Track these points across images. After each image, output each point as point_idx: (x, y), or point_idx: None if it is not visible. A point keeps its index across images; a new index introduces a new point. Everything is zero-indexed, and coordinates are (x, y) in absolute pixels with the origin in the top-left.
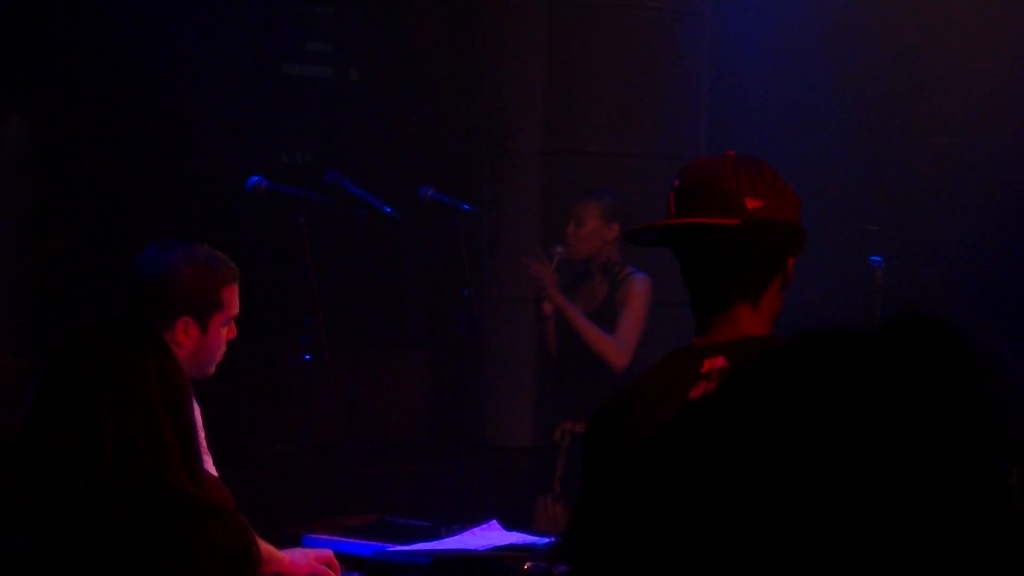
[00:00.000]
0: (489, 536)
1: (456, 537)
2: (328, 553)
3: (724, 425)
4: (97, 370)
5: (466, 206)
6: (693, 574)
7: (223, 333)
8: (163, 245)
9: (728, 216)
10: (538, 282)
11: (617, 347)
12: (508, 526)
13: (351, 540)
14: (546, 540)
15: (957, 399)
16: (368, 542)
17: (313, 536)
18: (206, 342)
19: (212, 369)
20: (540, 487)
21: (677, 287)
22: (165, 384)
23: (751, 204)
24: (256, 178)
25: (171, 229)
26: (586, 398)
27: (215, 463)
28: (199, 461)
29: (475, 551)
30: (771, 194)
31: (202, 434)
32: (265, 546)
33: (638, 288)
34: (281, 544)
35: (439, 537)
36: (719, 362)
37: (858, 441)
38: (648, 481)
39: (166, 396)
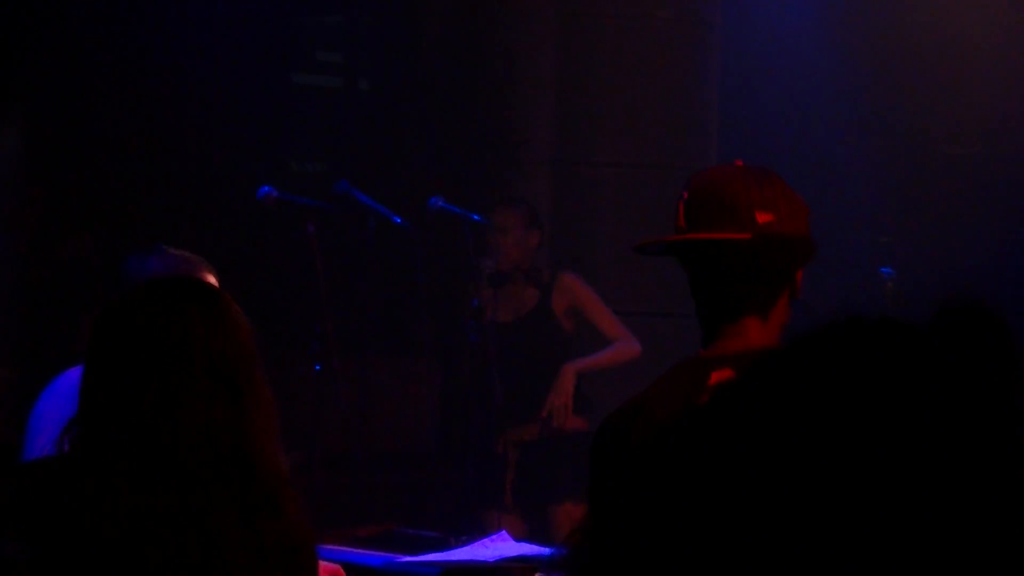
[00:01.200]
0: (499, 547)
1: (466, 548)
2: (337, 568)
3: (748, 421)
4: (194, 335)
5: (476, 216)
6: None
7: None
8: (138, 252)
9: (738, 230)
10: (567, 410)
11: (627, 346)
12: (521, 536)
13: (360, 551)
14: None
15: (1011, 393)
16: (377, 553)
17: (322, 546)
18: None
19: None
20: (487, 501)
21: (661, 297)
22: (253, 342)
23: (762, 218)
24: (266, 188)
25: (181, 238)
26: (524, 401)
27: None
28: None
29: (485, 562)
30: (781, 206)
31: None
32: None
33: (579, 285)
34: None
35: (449, 548)
36: (727, 374)
37: (912, 432)
38: (656, 485)
39: (254, 351)
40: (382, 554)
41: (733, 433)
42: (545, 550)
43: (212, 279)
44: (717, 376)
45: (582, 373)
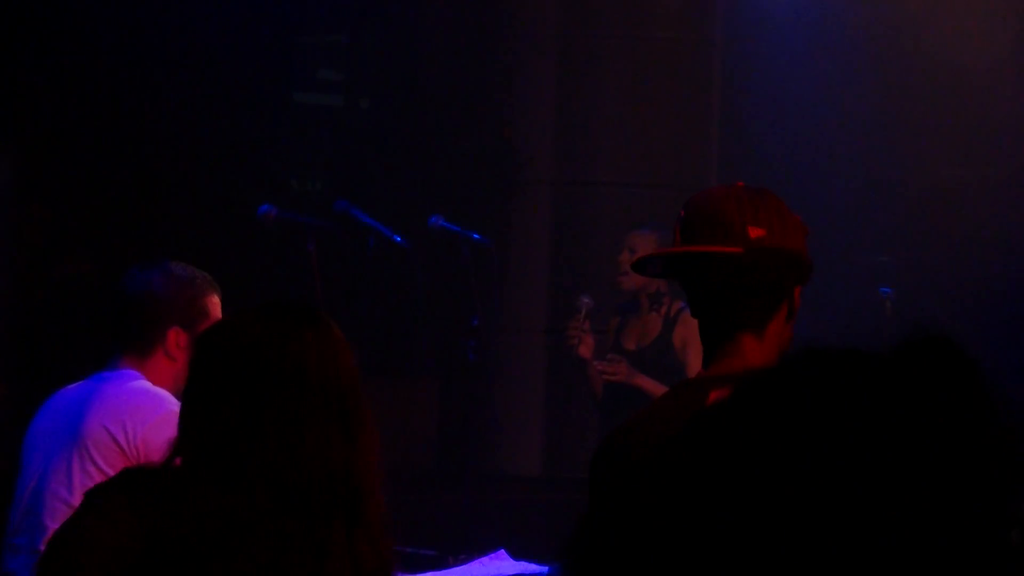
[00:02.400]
0: (497, 566)
1: (464, 567)
2: None
3: (724, 444)
4: (312, 364)
5: (476, 235)
6: None
7: None
8: (142, 265)
9: (730, 245)
10: (615, 375)
11: None
12: (516, 556)
13: None
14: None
15: (971, 424)
16: None
17: None
18: None
19: None
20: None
21: None
22: (358, 369)
23: (754, 233)
24: (266, 206)
25: (181, 257)
26: None
27: None
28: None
29: None
30: (775, 223)
31: None
32: None
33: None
34: None
35: (447, 567)
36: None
37: (867, 464)
38: (646, 503)
39: (361, 384)
40: None
41: (705, 459)
42: (543, 569)
43: (216, 297)
44: (715, 396)
45: (641, 386)
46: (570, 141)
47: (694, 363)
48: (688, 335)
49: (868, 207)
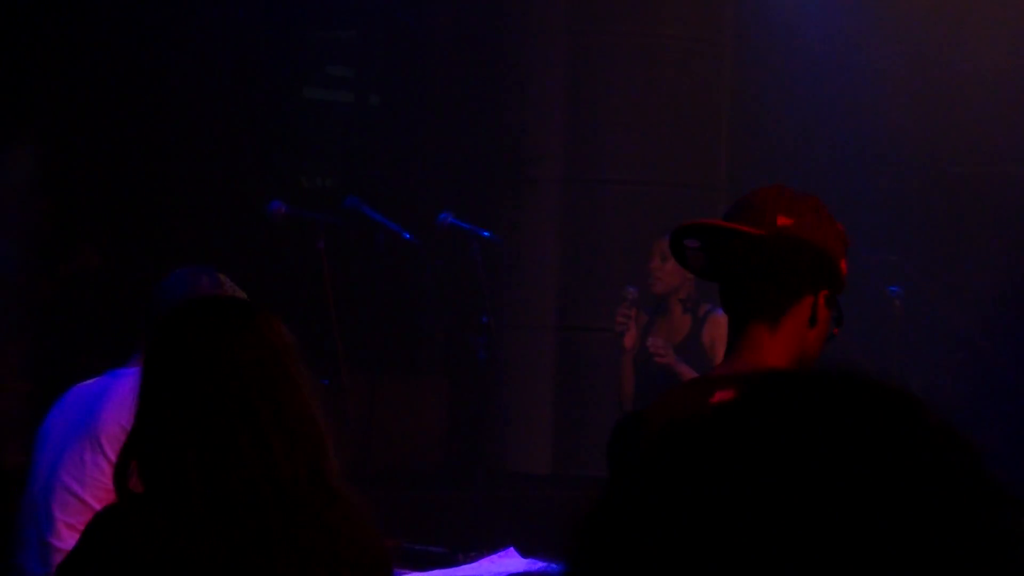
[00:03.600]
0: (506, 563)
1: (473, 564)
2: None
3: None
4: (235, 354)
5: (485, 233)
6: None
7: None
8: (190, 270)
9: (756, 227)
10: (660, 353)
11: None
12: (526, 553)
13: None
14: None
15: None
16: None
17: None
18: None
19: None
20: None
21: None
22: (292, 353)
23: (781, 221)
24: (276, 203)
25: (190, 253)
26: None
27: None
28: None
29: None
30: (808, 218)
31: None
32: None
33: (724, 327)
34: None
35: (456, 564)
36: (729, 395)
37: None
38: (640, 495)
39: (297, 366)
40: None
41: (685, 469)
42: (553, 566)
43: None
44: (720, 396)
45: (679, 375)
46: (580, 139)
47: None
48: (717, 335)
49: (877, 205)
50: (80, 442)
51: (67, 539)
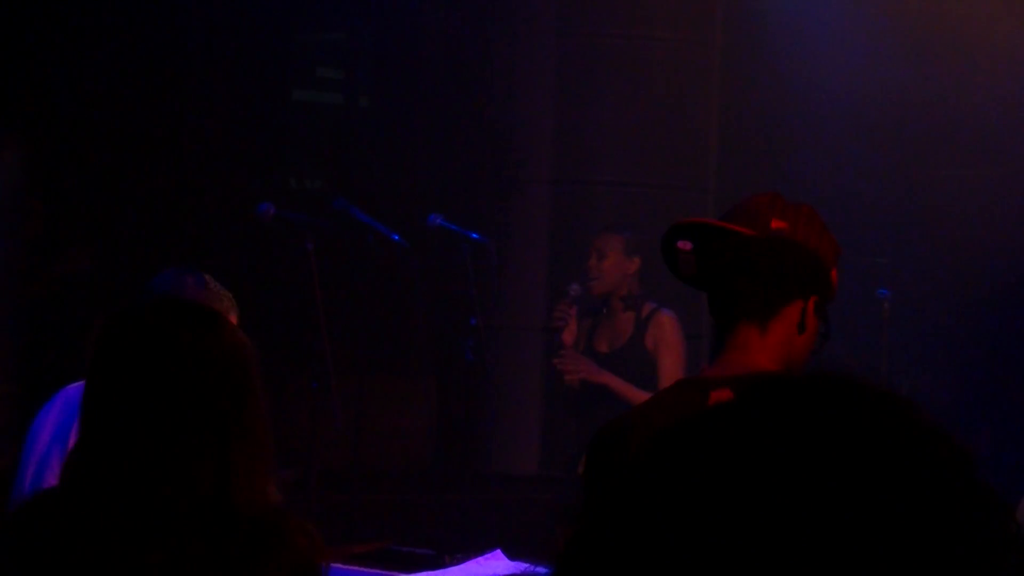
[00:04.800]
0: (493, 566)
1: (460, 566)
2: None
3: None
4: (192, 361)
5: (474, 235)
6: None
7: None
8: (175, 271)
9: (750, 229)
10: (578, 371)
11: None
12: (513, 556)
13: (355, 568)
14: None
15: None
16: (372, 570)
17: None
18: None
19: None
20: (559, 518)
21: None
22: (246, 366)
23: (775, 224)
24: (265, 204)
25: (180, 255)
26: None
27: None
28: (272, 453)
29: None
30: (800, 224)
31: None
32: None
33: (670, 327)
34: None
35: (443, 566)
36: (725, 395)
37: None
38: (637, 497)
39: (251, 380)
40: (376, 571)
41: (685, 467)
42: (540, 569)
43: (235, 318)
44: (716, 396)
45: (612, 389)
46: (569, 141)
47: (667, 364)
48: (660, 336)
49: (866, 208)
50: (66, 446)
51: None
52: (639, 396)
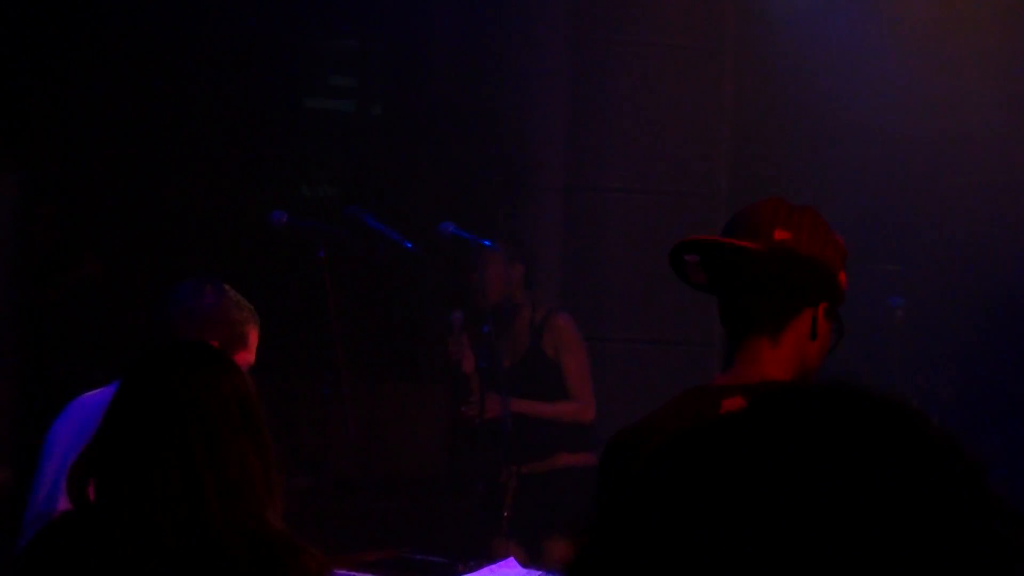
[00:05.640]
0: (506, 574)
1: (473, 574)
2: None
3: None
4: (181, 398)
5: (487, 242)
6: None
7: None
8: (195, 281)
9: (753, 242)
10: (485, 413)
11: (579, 407)
12: (525, 563)
13: None
14: None
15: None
16: None
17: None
18: None
19: None
20: (491, 528)
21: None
22: (243, 404)
23: (779, 235)
24: (277, 212)
25: (192, 262)
26: (535, 442)
27: None
28: (279, 482)
29: None
30: (805, 232)
31: None
32: None
33: (567, 328)
34: None
35: (456, 574)
36: (738, 403)
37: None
38: (645, 505)
39: (245, 418)
40: None
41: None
42: None
43: (256, 330)
44: (728, 405)
45: (519, 411)
46: (581, 147)
47: (571, 366)
48: (559, 339)
49: (878, 215)
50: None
51: None
52: (548, 410)
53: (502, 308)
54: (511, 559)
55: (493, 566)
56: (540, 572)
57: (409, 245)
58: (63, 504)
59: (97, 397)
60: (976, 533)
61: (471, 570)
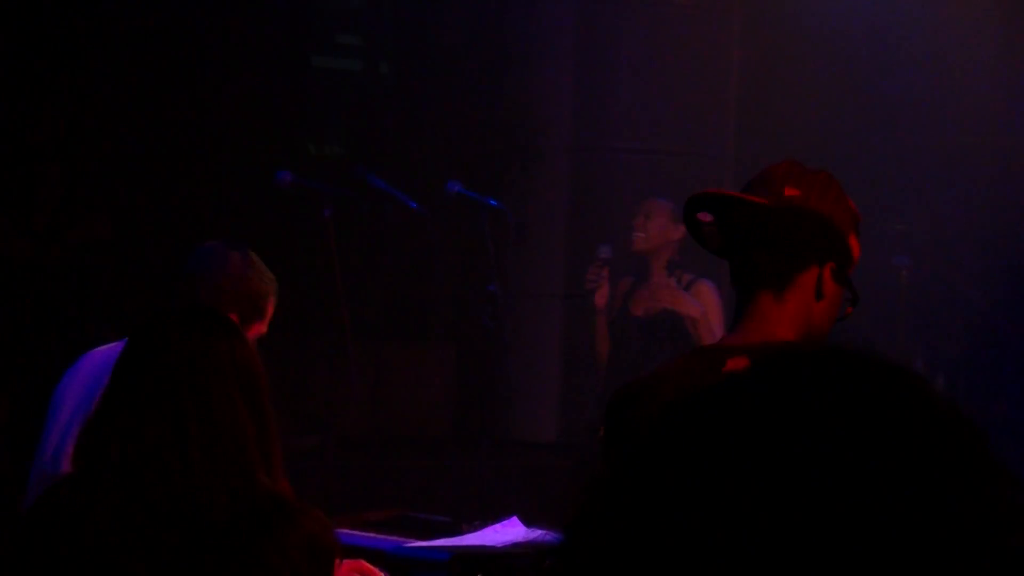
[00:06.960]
0: (510, 532)
1: (477, 533)
2: (360, 563)
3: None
4: (176, 360)
5: (493, 201)
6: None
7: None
8: (223, 244)
9: (762, 198)
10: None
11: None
12: (530, 523)
13: (371, 535)
14: None
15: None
16: (388, 537)
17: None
18: None
19: None
20: (573, 483)
21: None
22: (240, 369)
23: (788, 191)
24: (283, 172)
25: (198, 222)
26: None
27: None
28: (276, 449)
29: (495, 547)
30: (815, 191)
31: None
32: None
33: (713, 298)
34: None
35: (460, 533)
36: (742, 363)
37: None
38: (646, 465)
39: (242, 383)
40: (392, 538)
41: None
42: (556, 535)
43: (274, 302)
44: (732, 364)
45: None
46: (588, 107)
47: (705, 336)
48: (706, 305)
49: (885, 175)
50: (91, 409)
51: None
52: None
53: (649, 261)
54: (514, 518)
55: (496, 524)
56: (543, 531)
57: (414, 205)
58: (66, 459)
59: (107, 352)
60: (976, 497)
61: (475, 529)
